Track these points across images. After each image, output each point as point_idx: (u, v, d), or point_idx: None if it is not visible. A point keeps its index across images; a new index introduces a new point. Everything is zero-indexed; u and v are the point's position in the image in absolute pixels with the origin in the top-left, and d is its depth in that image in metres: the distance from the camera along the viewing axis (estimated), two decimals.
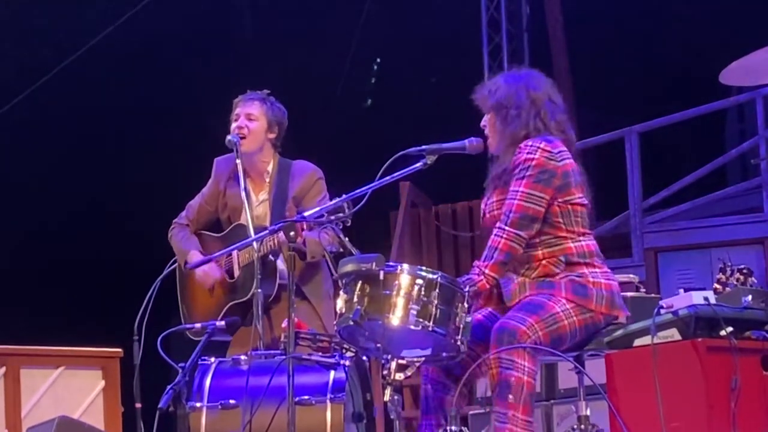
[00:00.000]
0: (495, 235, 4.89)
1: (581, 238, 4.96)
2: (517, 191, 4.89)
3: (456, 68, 13.09)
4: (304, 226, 5.21)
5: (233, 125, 6.07)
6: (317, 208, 4.98)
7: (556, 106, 5.06)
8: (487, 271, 4.85)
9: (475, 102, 5.13)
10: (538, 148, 4.91)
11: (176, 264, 6.15)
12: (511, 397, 4.64)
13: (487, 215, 5.03)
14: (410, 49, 14.30)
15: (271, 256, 5.78)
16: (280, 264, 5.89)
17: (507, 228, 4.87)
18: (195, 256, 6.06)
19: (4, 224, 12.96)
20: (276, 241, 5.73)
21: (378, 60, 15.08)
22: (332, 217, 4.88)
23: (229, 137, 6.01)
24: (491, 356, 4.69)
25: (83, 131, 13.53)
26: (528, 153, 4.91)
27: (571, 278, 4.87)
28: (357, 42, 14.01)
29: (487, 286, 4.87)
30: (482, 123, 5.11)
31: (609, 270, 4.99)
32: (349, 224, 4.95)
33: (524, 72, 5.19)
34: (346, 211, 4.86)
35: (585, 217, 5.00)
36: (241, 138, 6.00)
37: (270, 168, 6.11)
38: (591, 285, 4.87)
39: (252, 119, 6.07)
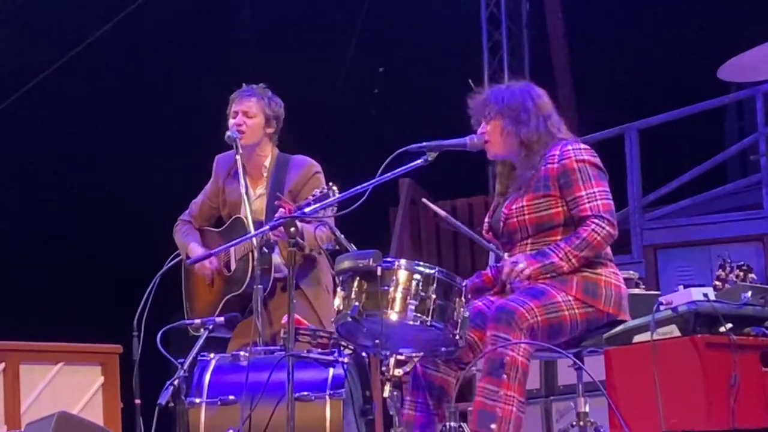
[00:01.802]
0: (592, 230, 4.83)
1: None
2: (594, 191, 4.87)
3: (456, 65, 13.07)
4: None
5: (231, 122, 6.07)
6: (317, 205, 4.98)
7: (555, 113, 5.09)
8: (573, 260, 4.82)
9: (471, 109, 5.08)
10: (581, 149, 4.95)
11: (177, 260, 6.16)
12: (505, 376, 4.61)
13: (514, 219, 4.97)
14: (410, 46, 14.28)
15: (265, 248, 5.76)
16: (276, 258, 5.89)
17: (607, 228, 4.84)
18: (195, 249, 6.06)
19: (4, 222, 12.95)
20: (269, 234, 5.70)
21: (381, 69, 15.09)
22: (320, 205, 4.89)
23: (228, 133, 6.00)
24: (488, 334, 4.68)
25: (83, 130, 13.52)
26: (576, 155, 4.91)
27: (585, 275, 4.87)
28: (357, 40, 14.01)
29: (566, 270, 4.82)
30: (481, 130, 5.06)
31: (619, 273, 5.00)
32: (336, 193, 4.95)
33: (520, 82, 5.21)
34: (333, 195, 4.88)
35: None
36: (240, 133, 6.01)
37: (268, 162, 6.11)
38: (603, 284, 4.87)
39: (250, 116, 6.06)
